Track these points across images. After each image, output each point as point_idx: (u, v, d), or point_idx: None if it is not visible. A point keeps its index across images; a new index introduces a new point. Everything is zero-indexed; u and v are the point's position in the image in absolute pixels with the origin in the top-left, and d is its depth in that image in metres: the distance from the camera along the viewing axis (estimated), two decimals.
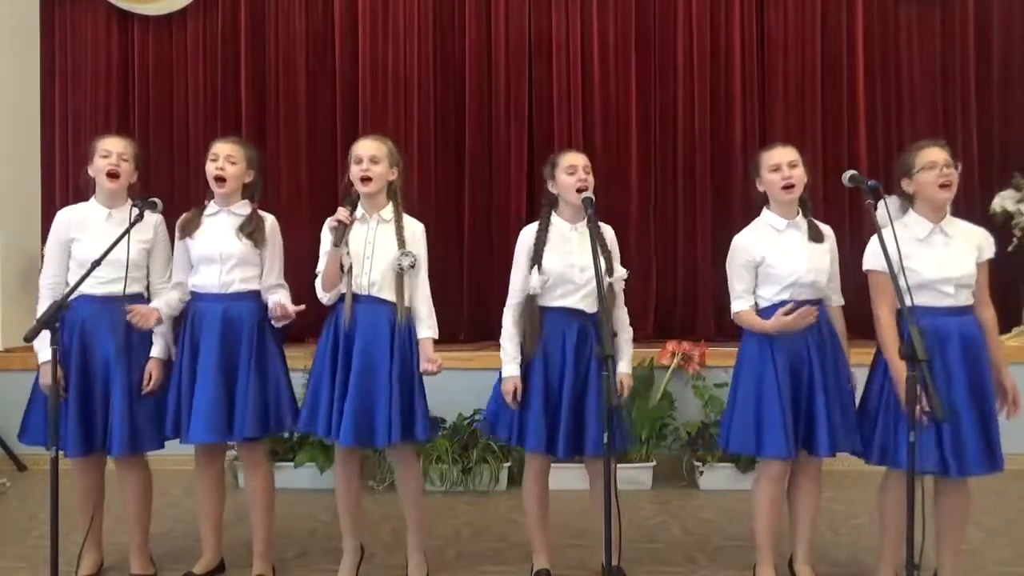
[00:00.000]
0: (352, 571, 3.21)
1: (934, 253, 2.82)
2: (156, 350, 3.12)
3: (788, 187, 2.96)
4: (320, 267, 3.06)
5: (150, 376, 3.10)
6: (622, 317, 3.18)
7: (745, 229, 3.08)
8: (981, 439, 2.74)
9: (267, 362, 3.11)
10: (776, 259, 2.97)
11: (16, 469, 4.87)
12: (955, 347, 2.76)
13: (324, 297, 3.07)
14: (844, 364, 3.00)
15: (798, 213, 3.04)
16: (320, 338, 3.10)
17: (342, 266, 2.98)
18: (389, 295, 3.03)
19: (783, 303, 2.93)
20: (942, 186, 2.81)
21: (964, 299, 2.84)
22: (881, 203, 2.71)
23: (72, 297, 2.90)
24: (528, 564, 3.28)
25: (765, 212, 3.07)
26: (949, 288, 2.80)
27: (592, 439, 2.95)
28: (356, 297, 3.02)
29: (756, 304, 3.02)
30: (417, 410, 3.06)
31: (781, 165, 2.97)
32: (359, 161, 3.04)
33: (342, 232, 2.95)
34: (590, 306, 3.00)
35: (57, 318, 2.69)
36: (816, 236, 3.01)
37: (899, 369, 2.67)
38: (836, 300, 3.08)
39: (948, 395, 2.69)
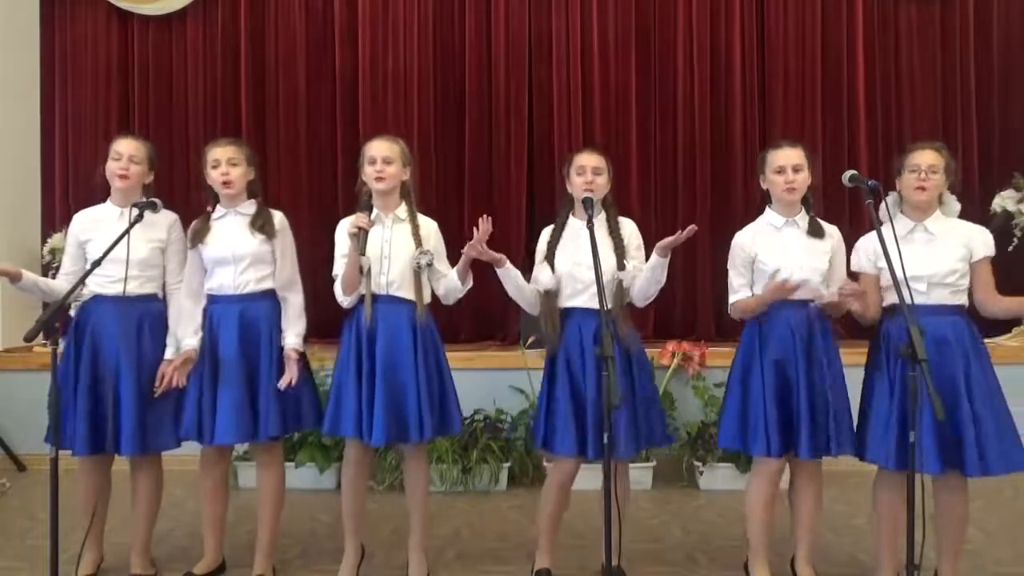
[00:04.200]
0: (352, 571, 3.21)
1: (911, 251, 2.82)
2: (169, 352, 3.13)
3: (790, 190, 2.98)
4: (336, 270, 3.08)
5: (162, 377, 3.10)
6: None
7: (747, 227, 3.12)
8: (944, 442, 2.72)
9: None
10: (767, 257, 3.00)
11: (16, 469, 4.87)
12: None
13: (344, 301, 3.08)
14: (837, 364, 2.97)
15: (800, 211, 3.05)
16: (341, 341, 3.11)
17: (360, 268, 2.99)
18: (408, 294, 3.05)
19: (776, 301, 2.96)
20: (916, 188, 2.86)
21: (940, 298, 2.84)
22: (882, 203, 2.73)
23: (87, 298, 2.96)
24: (528, 564, 3.28)
25: (767, 210, 3.09)
26: (920, 286, 2.80)
27: (621, 440, 2.92)
28: (375, 297, 3.03)
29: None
30: (449, 405, 3.10)
31: (785, 168, 2.99)
32: (373, 162, 3.06)
33: (363, 239, 2.96)
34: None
35: (56, 318, 2.69)
36: (816, 232, 3.01)
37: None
38: None
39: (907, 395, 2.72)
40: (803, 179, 2.99)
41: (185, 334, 3.12)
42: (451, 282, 3.11)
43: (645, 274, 3.02)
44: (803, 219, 3.04)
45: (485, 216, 2.94)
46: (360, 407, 2.99)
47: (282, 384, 3.08)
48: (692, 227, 2.85)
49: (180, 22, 5.76)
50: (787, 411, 2.93)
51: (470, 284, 3.16)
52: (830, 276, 3.01)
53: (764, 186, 3.08)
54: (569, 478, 3.12)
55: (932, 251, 2.86)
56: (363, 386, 3.00)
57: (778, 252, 2.99)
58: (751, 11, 5.60)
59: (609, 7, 5.61)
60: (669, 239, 2.90)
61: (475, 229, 2.92)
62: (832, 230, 3.06)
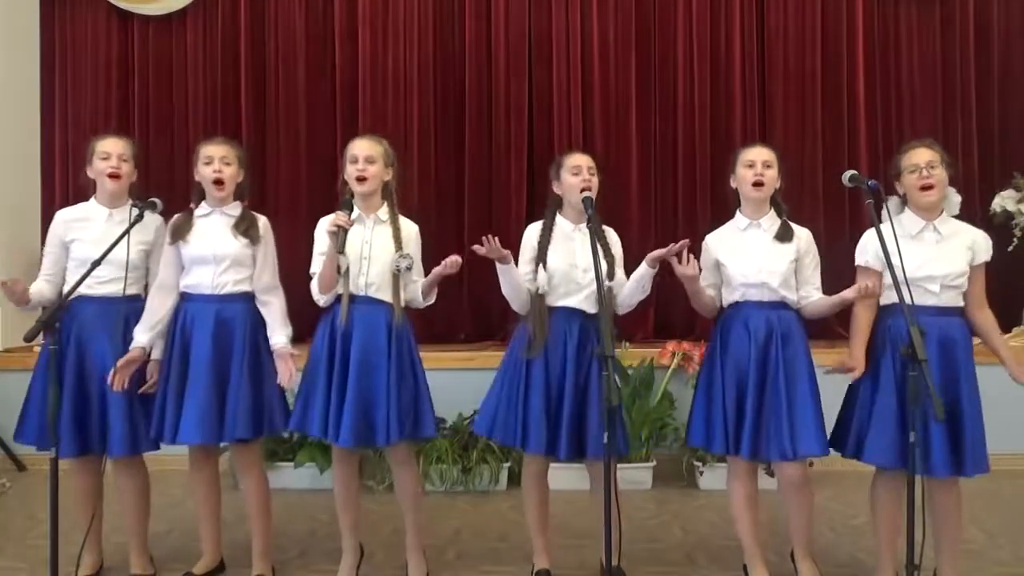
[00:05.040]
0: (352, 571, 3.21)
1: (923, 250, 2.82)
2: (156, 352, 3.11)
3: (757, 184, 2.99)
4: (314, 268, 3.06)
5: (151, 376, 3.09)
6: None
7: (717, 229, 3.16)
8: (948, 442, 2.73)
9: (260, 364, 3.10)
10: (728, 260, 3.03)
11: (16, 469, 4.87)
12: (931, 348, 2.71)
13: (320, 299, 3.06)
14: (804, 366, 2.96)
15: (768, 213, 3.06)
16: (314, 339, 3.08)
17: (339, 268, 2.98)
18: (386, 296, 3.03)
19: (736, 303, 3.02)
20: (922, 188, 2.84)
21: (948, 300, 2.83)
22: (883, 206, 2.72)
23: (70, 297, 2.92)
24: (528, 564, 3.28)
25: (737, 213, 3.12)
26: (934, 287, 2.80)
27: (593, 441, 2.94)
28: (353, 298, 3.01)
29: (722, 303, 3.10)
30: (423, 408, 3.07)
31: (755, 162, 3.00)
32: (355, 160, 3.05)
33: (343, 238, 2.95)
34: (592, 306, 3.00)
35: (58, 318, 2.69)
36: (784, 236, 3.02)
37: (856, 359, 2.88)
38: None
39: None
40: (772, 176, 3.00)
41: (140, 330, 3.06)
42: (415, 293, 3.09)
43: (631, 284, 3.06)
44: (769, 221, 3.05)
45: (491, 236, 2.92)
46: (328, 407, 2.97)
47: (284, 382, 3.06)
48: (685, 241, 2.89)
49: (180, 22, 5.76)
50: (743, 411, 2.95)
51: (432, 301, 3.13)
52: (797, 278, 3.01)
53: (733, 184, 3.09)
54: (543, 475, 3.16)
55: (942, 252, 2.84)
56: (333, 386, 2.98)
57: (737, 254, 3.01)
58: (751, 11, 5.60)
59: (609, 7, 5.61)
60: (660, 251, 2.93)
61: (477, 246, 2.91)
62: (801, 233, 3.06)
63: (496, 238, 2.91)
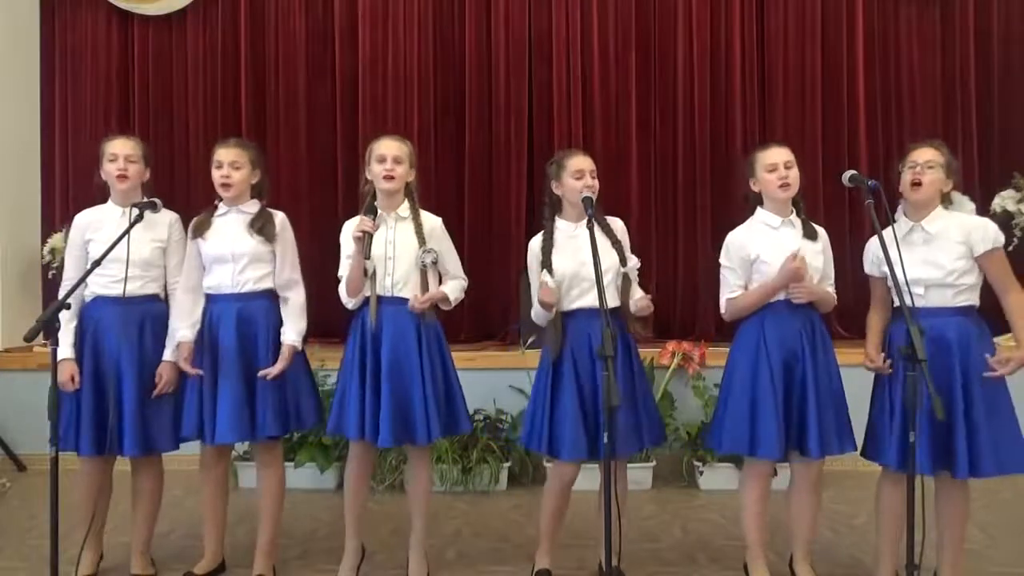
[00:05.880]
0: (353, 571, 3.21)
1: (909, 253, 2.79)
2: (168, 353, 3.13)
3: (784, 186, 2.98)
4: (342, 271, 3.08)
5: (160, 377, 3.11)
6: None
7: (740, 227, 3.11)
8: (937, 442, 2.73)
9: None
10: (771, 257, 2.98)
11: (16, 469, 4.87)
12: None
13: (349, 303, 3.08)
14: (835, 364, 2.99)
15: (791, 212, 3.05)
16: (347, 342, 3.11)
17: (365, 271, 2.99)
18: (413, 293, 3.04)
19: (780, 302, 2.96)
20: (912, 184, 2.84)
21: (940, 300, 2.80)
22: (883, 204, 2.72)
23: (88, 299, 2.99)
24: (528, 564, 3.28)
25: (759, 211, 3.08)
26: (918, 289, 2.78)
27: (622, 439, 2.88)
28: (380, 298, 3.03)
29: None
30: (456, 404, 3.11)
31: (778, 165, 2.98)
32: (382, 160, 3.06)
33: (368, 242, 2.96)
34: (610, 300, 2.95)
35: (57, 318, 2.69)
36: (810, 234, 3.02)
37: (870, 357, 2.92)
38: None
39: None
40: (795, 176, 2.99)
41: (181, 326, 3.11)
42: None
43: None
44: (797, 220, 3.05)
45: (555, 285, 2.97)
46: (363, 409, 2.99)
47: (263, 373, 3.05)
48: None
49: (180, 22, 5.76)
50: (792, 412, 2.93)
51: (450, 307, 3.17)
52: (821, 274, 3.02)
53: (755, 188, 3.07)
54: (571, 480, 3.11)
55: (929, 253, 2.82)
56: (367, 388, 3.00)
57: (779, 253, 2.97)
58: (751, 11, 5.60)
59: (609, 7, 5.61)
60: (641, 309, 3.04)
61: (545, 280, 2.98)
62: (820, 230, 3.07)
63: (559, 287, 2.99)
